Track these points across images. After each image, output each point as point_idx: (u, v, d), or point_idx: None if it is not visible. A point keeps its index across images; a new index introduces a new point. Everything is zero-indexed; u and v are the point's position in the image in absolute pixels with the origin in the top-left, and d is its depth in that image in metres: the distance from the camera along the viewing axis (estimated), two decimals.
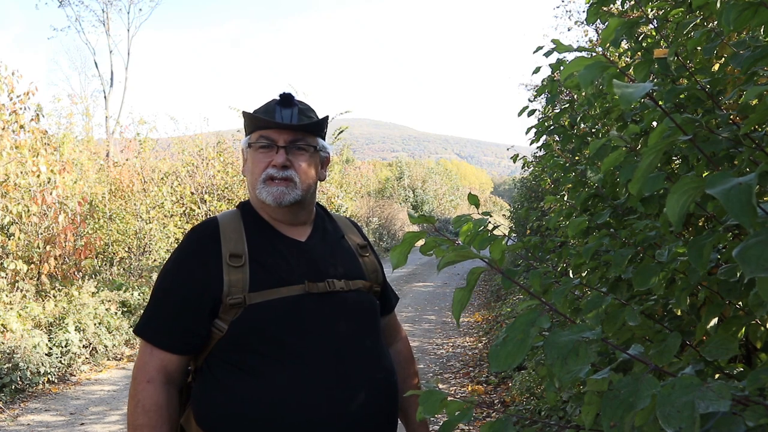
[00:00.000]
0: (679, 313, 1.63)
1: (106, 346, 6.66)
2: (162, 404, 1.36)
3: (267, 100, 1.54)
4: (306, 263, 1.46)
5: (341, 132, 18.48)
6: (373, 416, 1.41)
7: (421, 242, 0.79)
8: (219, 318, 1.38)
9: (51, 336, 6.17)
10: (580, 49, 0.89)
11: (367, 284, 1.53)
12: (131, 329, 7.19)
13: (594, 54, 0.82)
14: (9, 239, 7.05)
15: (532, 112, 2.57)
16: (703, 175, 1.47)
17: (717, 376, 1.35)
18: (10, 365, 5.42)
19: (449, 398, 0.97)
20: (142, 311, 1.56)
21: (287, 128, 1.44)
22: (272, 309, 1.37)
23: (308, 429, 1.33)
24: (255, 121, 1.46)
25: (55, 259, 7.72)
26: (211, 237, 1.44)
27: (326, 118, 1.53)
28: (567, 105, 2.48)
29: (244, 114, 1.50)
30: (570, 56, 1.84)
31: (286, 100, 1.48)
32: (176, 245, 1.52)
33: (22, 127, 7.44)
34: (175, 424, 1.39)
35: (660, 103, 1.65)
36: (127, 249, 10.08)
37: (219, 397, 1.37)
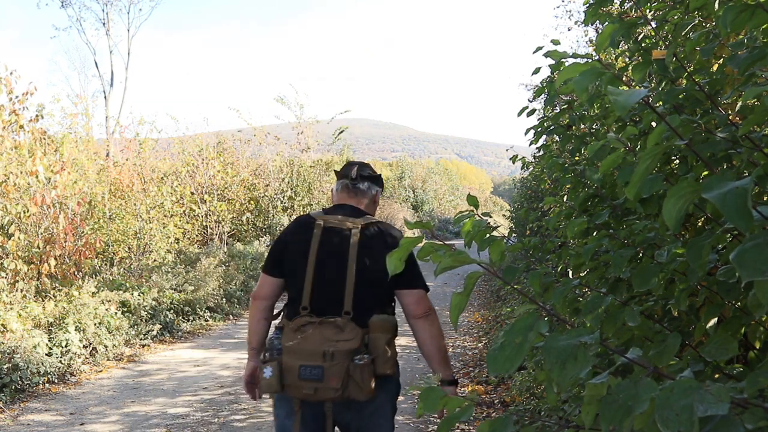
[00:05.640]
0: (678, 314, 1.63)
1: (106, 346, 6.65)
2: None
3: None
4: None
5: (341, 132, 18.47)
6: None
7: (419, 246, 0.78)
8: None
9: (51, 336, 6.17)
10: (575, 55, 0.89)
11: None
12: (131, 329, 7.22)
13: (591, 59, 0.81)
14: (9, 239, 7.05)
15: (531, 113, 2.57)
16: (702, 175, 1.47)
17: (716, 376, 1.35)
18: (11, 365, 5.42)
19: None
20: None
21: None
22: None
23: None
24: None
25: (55, 259, 7.72)
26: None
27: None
28: (566, 105, 2.48)
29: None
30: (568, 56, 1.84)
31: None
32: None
33: (21, 127, 7.45)
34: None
35: (659, 103, 1.65)
36: (127, 249, 10.08)
37: None
